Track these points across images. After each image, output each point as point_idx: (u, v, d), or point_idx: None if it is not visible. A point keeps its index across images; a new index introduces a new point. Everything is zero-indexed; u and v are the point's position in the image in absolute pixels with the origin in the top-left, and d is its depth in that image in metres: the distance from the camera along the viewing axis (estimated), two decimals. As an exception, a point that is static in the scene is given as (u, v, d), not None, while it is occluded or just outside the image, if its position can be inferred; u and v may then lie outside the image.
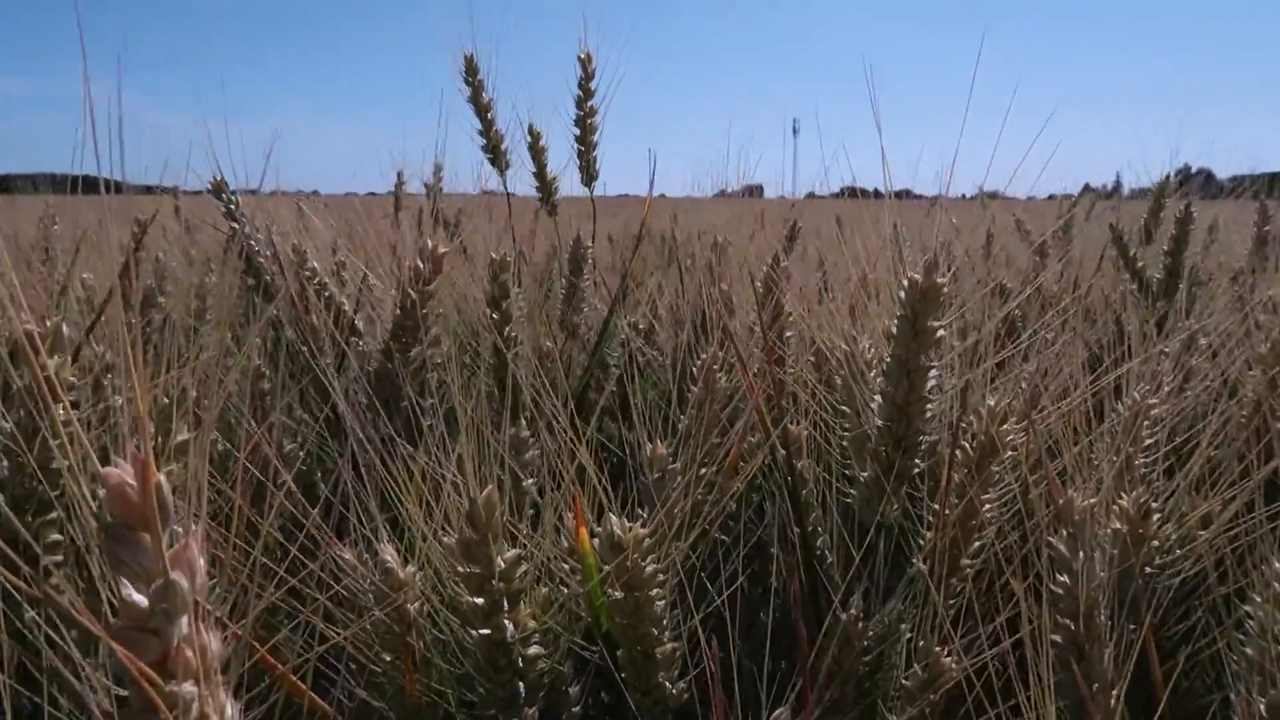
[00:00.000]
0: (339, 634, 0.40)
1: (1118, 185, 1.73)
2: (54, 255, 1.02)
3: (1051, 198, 1.69)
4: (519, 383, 0.55)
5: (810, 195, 1.59)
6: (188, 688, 0.23)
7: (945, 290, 0.45)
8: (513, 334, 0.63)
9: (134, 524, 0.22)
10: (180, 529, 0.23)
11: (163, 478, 0.22)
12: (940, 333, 0.46)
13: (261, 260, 0.73)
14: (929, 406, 0.47)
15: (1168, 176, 1.13)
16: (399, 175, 1.22)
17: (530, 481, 0.54)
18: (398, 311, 0.59)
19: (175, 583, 0.22)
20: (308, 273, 0.71)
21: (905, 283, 0.45)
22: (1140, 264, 0.93)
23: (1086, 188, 1.79)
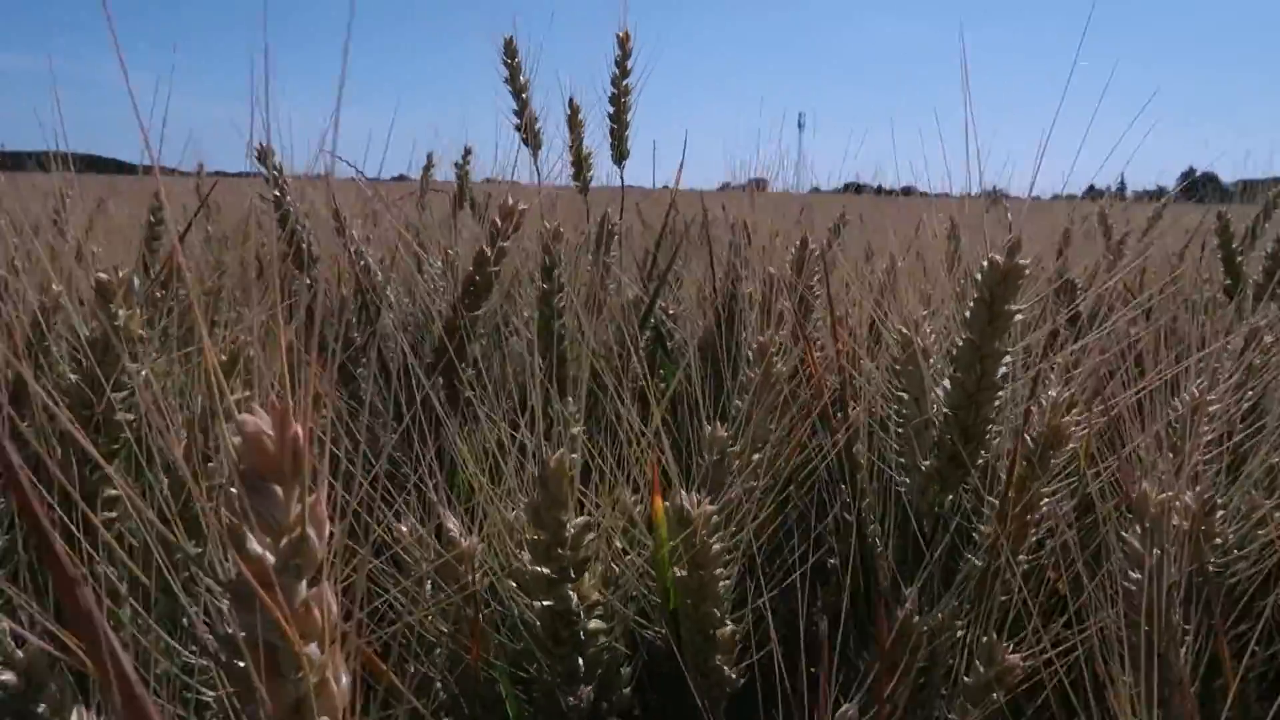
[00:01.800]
0: (409, 609, 0.39)
1: (1122, 186, 1.74)
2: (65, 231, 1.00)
3: (1056, 198, 1.69)
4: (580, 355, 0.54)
5: (815, 189, 1.58)
6: (313, 649, 0.21)
7: (1027, 272, 0.44)
8: (561, 304, 0.62)
9: (270, 475, 0.21)
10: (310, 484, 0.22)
11: (300, 429, 0.21)
12: (1018, 316, 0.45)
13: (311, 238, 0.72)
14: (999, 394, 0.46)
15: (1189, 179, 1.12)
16: (429, 158, 1.20)
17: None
18: (469, 269, 0.58)
19: (310, 537, 0.21)
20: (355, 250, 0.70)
21: (985, 263, 0.44)
22: (1241, 261, 0.92)
23: (1091, 188, 1.80)
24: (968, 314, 0.45)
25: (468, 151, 1.11)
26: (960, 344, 0.45)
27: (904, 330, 0.49)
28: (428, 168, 1.19)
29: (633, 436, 0.42)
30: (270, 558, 0.21)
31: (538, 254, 0.61)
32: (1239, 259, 0.92)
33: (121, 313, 0.29)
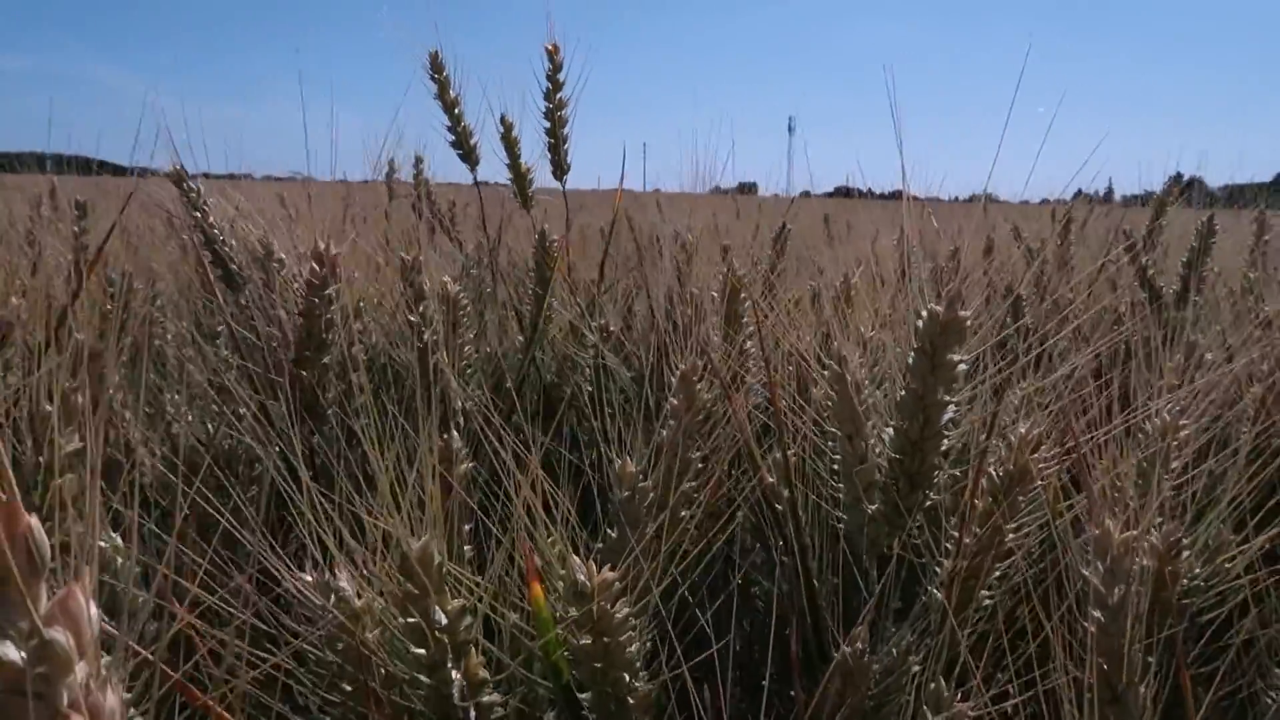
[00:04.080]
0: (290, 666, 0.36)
1: (1110, 191, 1.71)
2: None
3: (1045, 202, 1.66)
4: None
5: (805, 193, 1.56)
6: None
7: (967, 325, 0.40)
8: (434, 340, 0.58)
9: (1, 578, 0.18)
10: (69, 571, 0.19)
11: (34, 522, 0.18)
12: (960, 367, 0.41)
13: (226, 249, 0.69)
14: (944, 440, 0.43)
15: (1177, 184, 1.10)
16: (390, 164, 1.17)
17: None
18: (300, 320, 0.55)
19: (53, 641, 0.18)
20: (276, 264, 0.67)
21: (924, 314, 0.41)
22: (1152, 272, 0.89)
23: (1079, 193, 1.77)
24: (910, 361, 0.42)
25: (419, 160, 1.09)
26: (902, 394, 0.42)
27: (834, 366, 0.45)
28: (390, 173, 1.17)
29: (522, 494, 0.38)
30: (18, 662, 0.18)
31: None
32: (1150, 271, 0.90)
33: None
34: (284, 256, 0.61)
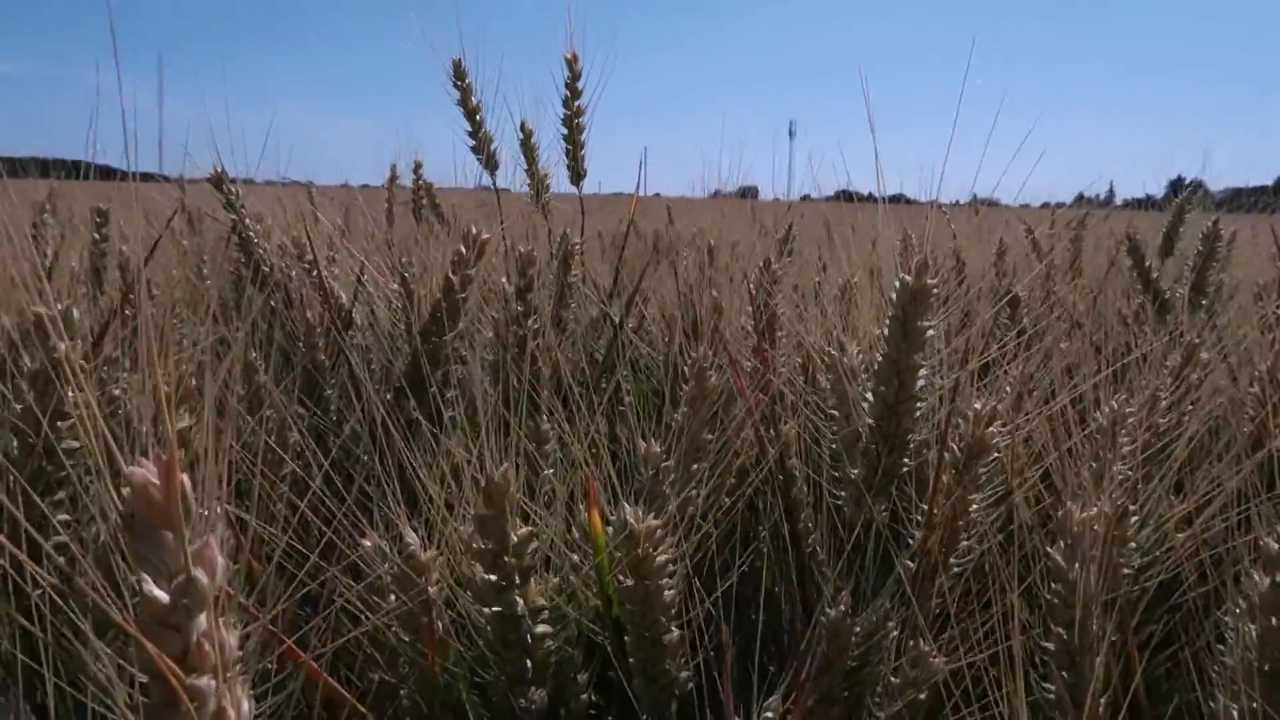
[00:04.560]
0: (366, 617, 0.42)
1: (1110, 194, 1.74)
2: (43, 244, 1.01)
3: (1045, 205, 1.70)
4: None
5: (805, 197, 1.60)
6: (206, 681, 0.23)
7: (935, 292, 0.46)
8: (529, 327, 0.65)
9: (157, 522, 0.23)
10: (203, 525, 0.24)
11: (185, 478, 0.23)
12: (930, 333, 0.47)
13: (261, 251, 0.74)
14: (918, 405, 0.48)
15: (1179, 187, 1.13)
16: (392, 170, 1.22)
17: (549, 471, 0.55)
18: (438, 295, 0.61)
19: (196, 579, 0.23)
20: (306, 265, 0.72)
21: (896, 283, 0.46)
22: (1156, 276, 0.92)
23: (1080, 196, 1.81)
24: (885, 331, 0.47)
25: (418, 165, 1.13)
26: (879, 360, 0.47)
27: (832, 351, 0.51)
28: (392, 180, 1.21)
29: (583, 455, 0.44)
30: (164, 599, 0.23)
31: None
32: (1154, 274, 0.93)
33: (62, 345, 0.31)
34: (316, 256, 0.67)
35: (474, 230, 0.63)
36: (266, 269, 0.71)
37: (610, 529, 0.43)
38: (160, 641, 0.23)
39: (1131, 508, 0.46)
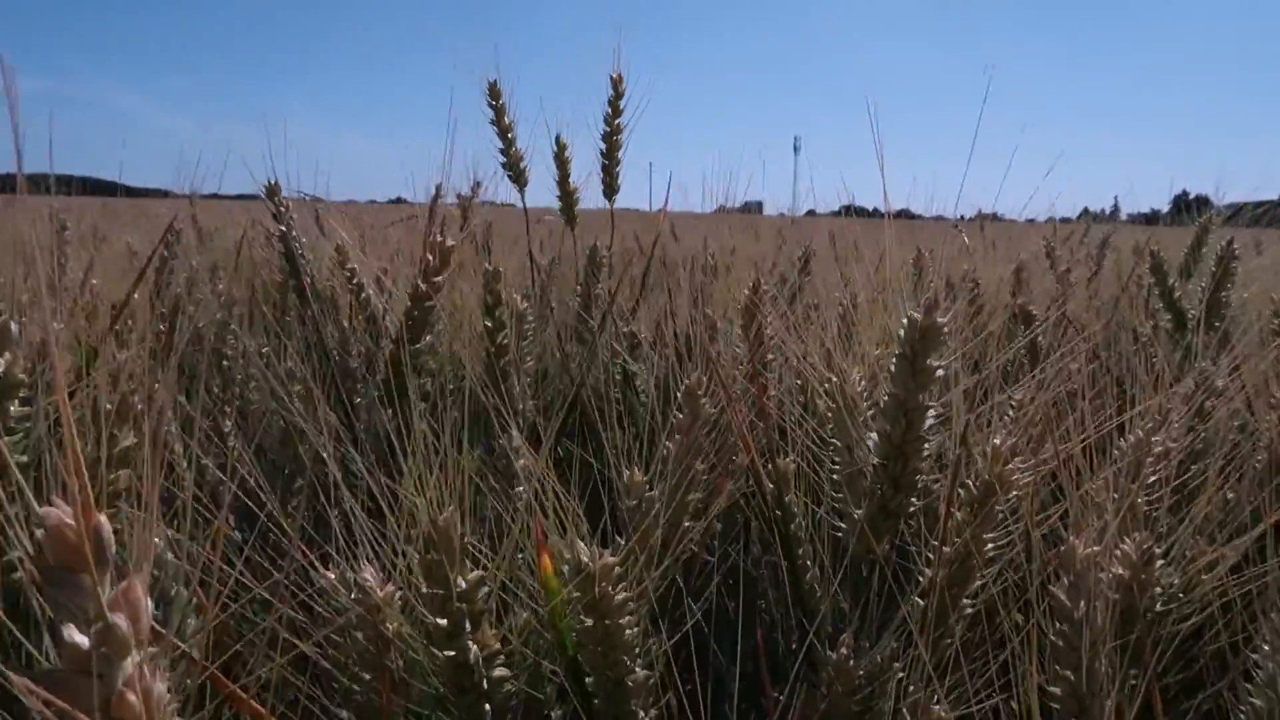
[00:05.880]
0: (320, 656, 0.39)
1: (1115, 209, 1.73)
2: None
3: (1050, 221, 1.68)
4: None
5: (810, 213, 1.58)
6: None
7: (945, 331, 0.43)
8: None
9: (73, 566, 0.21)
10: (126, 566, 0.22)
11: (103, 518, 0.20)
12: (939, 372, 0.44)
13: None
14: (926, 446, 0.45)
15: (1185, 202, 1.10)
16: (437, 189, 1.22)
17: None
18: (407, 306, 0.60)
19: (115, 625, 0.21)
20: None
21: (905, 320, 0.43)
22: (1178, 295, 0.90)
23: (1085, 212, 1.78)
24: (892, 368, 0.44)
25: (478, 185, 1.14)
26: (886, 399, 0.45)
27: (832, 380, 0.48)
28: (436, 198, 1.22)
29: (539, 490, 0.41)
30: (85, 646, 0.21)
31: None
32: (1176, 294, 0.90)
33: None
34: (357, 267, 0.66)
35: (439, 237, 0.61)
36: (309, 279, 0.72)
37: (566, 569, 0.41)
38: (81, 692, 0.21)
39: (1156, 550, 0.44)
